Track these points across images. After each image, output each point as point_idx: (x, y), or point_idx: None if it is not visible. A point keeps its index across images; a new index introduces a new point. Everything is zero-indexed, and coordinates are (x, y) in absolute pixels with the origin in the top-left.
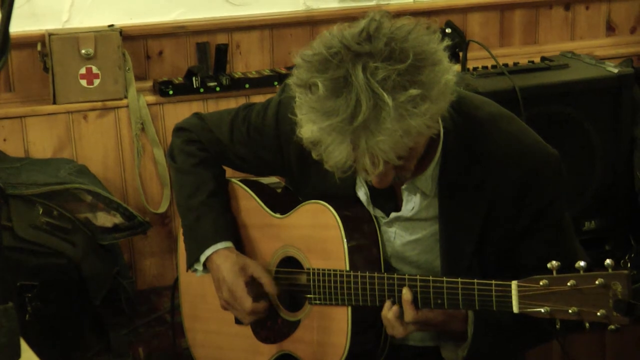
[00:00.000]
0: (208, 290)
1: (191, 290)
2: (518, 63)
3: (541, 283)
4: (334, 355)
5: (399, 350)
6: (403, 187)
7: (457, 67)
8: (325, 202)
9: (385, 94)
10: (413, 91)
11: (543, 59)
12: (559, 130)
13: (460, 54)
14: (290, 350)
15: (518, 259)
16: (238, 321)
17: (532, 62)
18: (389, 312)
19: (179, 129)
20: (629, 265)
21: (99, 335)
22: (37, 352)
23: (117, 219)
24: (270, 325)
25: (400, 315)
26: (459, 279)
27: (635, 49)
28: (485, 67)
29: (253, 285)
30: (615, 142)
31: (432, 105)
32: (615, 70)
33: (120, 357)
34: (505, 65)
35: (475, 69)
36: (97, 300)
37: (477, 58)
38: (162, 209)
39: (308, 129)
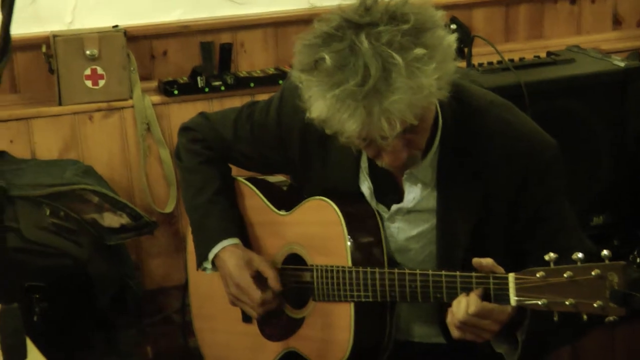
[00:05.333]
0: (216, 289)
1: (200, 290)
2: (524, 58)
3: (538, 275)
4: (338, 352)
5: (404, 347)
6: (404, 177)
7: (463, 64)
8: (328, 198)
9: (394, 53)
10: (419, 51)
11: (549, 53)
12: (565, 125)
13: (466, 49)
14: (296, 347)
15: (520, 248)
16: (245, 319)
17: (538, 57)
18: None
19: (184, 129)
20: (637, 260)
21: (106, 335)
22: (44, 352)
23: (124, 220)
24: (276, 322)
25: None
26: (458, 273)
27: None
28: (490, 63)
29: (259, 279)
30: (622, 136)
31: (438, 66)
32: (622, 64)
33: (128, 357)
34: (511, 60)
35: (480, 64)
36: (104, 301)
37: (482, 54)
38: (169, 208)
39: (318, 105)
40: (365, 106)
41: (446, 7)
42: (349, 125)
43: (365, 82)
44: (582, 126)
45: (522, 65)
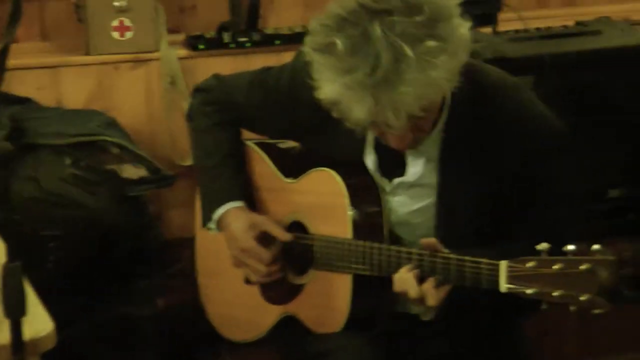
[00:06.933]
0: (221, 247)
1: (206, 247)
2: (550, 27)
3: (528, 265)
4: (334, 321)
5: (400, 318)
6: (408, 151)
7: (489, 30)
8: (334, 168)
9: (405, 46)
10: (431, 43)
11: (578, 23)
12: (588, 98)
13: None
14: (294, 312)
15: (514, 231)
16: (247, 280)
17: (565, 27)
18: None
19: (197, 90)
20: None
21: (123, 286)
22: (58, 300)
23: (142, 172)
24: (277, 286)
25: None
26: (453, 256)
27: None
28: (517, 31)
29: (264, 240)
30: None
31: (450, 58)
32: None
33: (143, 308)
34: (539, 29)
35: (506, 32)
36: (121, 252)
37: (513, 20)
38: (190, 161)
39: (327, 88)
40: (373, 95)
41: None
42: (355, 112)
43: (375, 71)
44: (605, 99)
45: (548, 35)
